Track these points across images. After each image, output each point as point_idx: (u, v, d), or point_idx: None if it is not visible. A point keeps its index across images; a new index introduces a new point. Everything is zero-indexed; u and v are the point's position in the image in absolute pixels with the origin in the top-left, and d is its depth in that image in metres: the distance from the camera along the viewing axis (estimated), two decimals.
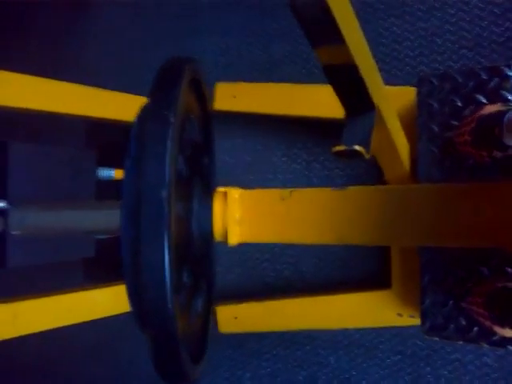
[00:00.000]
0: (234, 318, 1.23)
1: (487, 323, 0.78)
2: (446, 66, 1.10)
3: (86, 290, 1.16)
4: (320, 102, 1.14)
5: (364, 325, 1.12)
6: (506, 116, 0.72)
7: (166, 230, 0.46)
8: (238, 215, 0.66)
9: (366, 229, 0.64)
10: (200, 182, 0.66)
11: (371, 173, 1.17)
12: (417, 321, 1.00)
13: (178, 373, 0.53)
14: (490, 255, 0.85)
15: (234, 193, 0.67)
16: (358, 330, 1.16)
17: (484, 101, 0.87)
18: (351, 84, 0.60)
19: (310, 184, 1.24)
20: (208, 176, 0.73)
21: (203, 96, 0.70)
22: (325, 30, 0.50)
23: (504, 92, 0.85)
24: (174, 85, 0.53)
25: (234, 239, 0.66)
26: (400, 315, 1.02)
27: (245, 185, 0.73)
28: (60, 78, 1.09)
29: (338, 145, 0.60)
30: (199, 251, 0.65)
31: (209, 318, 0.70)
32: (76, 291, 1.14)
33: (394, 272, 1.04)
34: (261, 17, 1.33)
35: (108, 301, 1.22)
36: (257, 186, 0.72)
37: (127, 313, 1.21)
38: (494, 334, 0.81)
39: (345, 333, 1.17)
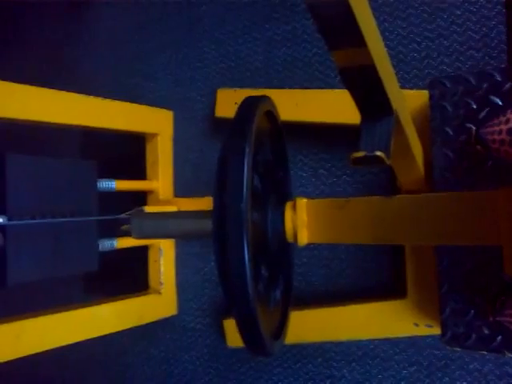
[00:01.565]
0: None
1: None
2: (453, 67, 1.07)
3: (89, 306, 1.13)
4: (324, 107, 1.13)
5: (378, 335, 1.08)
6: None
7: (245, 231, 0.60)
8: (305, 220, 0.77)
9: (409, 231, 0.72)
10: (274, 194, 0.80)
11: (379, 179, 1.15)
12: (434, 330, 0.98)
13: (259, 345, 0.66)
14: None
15: (302, 202, 0.78)
16: (372, 341, 1.12)
17: (500, 103, 0.84)
18: (370, 87, 0.59)
19: (317, 192, 1.21)
20: (282, 187, 0.88)
21: (277, 124, 0.84)
22: (346, 32, 0.47)
23: None
24: (249, 121, 0.66)
25: (302, 240, 0.77)
26: (416, 325, 0.99)
27: None
28: (58, 87, 1.06)
29: (357, 151, 0.58)
30: (275, 250, 0.78)
31: (288, 306, 0.85)
32: (78, 308, 1.11)
33: (409, 281, 1.01)
34: (262, 22, 1.30)
35: (112, 317, 1.19)
36: None
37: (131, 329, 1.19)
38: None
39: (358, 344, 1.13)
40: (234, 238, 0.60)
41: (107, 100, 1.19)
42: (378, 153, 0.57)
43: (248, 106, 0.70)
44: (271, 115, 0.81)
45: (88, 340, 1.08)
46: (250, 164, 0.63)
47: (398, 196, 0.73)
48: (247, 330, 0.65)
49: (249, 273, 0.60)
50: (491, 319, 0.83)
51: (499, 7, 1.04)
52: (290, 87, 1.25)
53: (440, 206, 0.70)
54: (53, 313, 1.04)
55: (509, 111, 0.81)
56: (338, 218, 0.76)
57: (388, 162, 0.58)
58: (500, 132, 0.80)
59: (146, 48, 1.47)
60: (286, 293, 0.86)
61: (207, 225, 0.73)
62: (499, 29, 1.04)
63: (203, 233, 0.81)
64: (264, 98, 0.74)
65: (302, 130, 1.22)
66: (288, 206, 0.78)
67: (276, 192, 0.82)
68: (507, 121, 0.79)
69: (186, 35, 1.40)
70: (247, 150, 0.63)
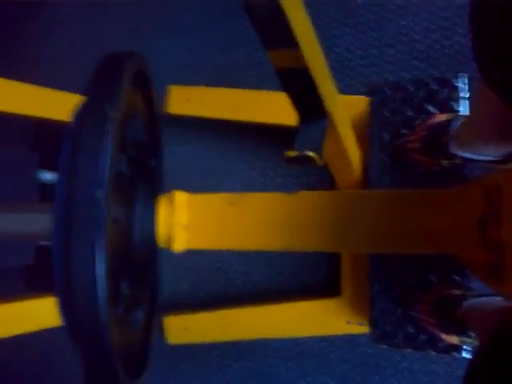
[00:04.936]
0: (184, 328, 1.19)
1: (435, 331, 0.79)
2: (397, 76, 1.11)
3: (29, 299, 1.09)
4: (273, 108, 1.13)
5: (314, 333, 1.10)
6: (452, 125, 0.73)
7: (102, 234, 0.41)
8: (185, 220, 0.62)
9: (316, 235, 0.62)
10: (145, 185, 0.62)
11: (324, 181, 1.17)
12: (366, 328, 1.00)
13: None
14: (438, 264, 0.86)
15: (182, 196, 0.63)
16: (309, 339, 1.14)
17: (433, 111, 0.88)
18: (304, 90, 0.59)
19: (264, 191, 1.22)
20: (154, 179, 0.68)
21: (150, 95, 0.65)
22: (278, 33, 0.49)
23: (452, 102, 0.87)
24: (114, 78, 0.48)
25: (179, 245, 0.62)
26: (349, 323, 1.02)
27: (199, 191, 0.68)
28: (4, 75, 1.02)
29: (290, 150, 0.59)
30: (141, 259, 0.60)
31: (151, 329, 0.65)
32: (18, 300, 1.07)
33: (343, 280, 1.03)
34: (217, 18, 1.30)
35: (52, 311, 1.15)
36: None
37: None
38: (441, 341, 0.82)
39: (296, 342, 1.15)
40: (82, 241, 0.41)
41: (55, 91, 1.16)
42: (310, 153, 0.58)
43: (116, 60, 0.51)
44: (144, 79, 0.61)
45: None
46: (115, 134, 0.44)
47: (301, 192, 0.65)
48: (98, 372, 0.46)
49: (104, 295, 0.41)
50: (403, 312, 0.86)
51: (440, 21, 1.08)
52: (243, 87, 1.25)
53: (344, 206, 0.63)
54: None
55: (427, 121, 0.85)
56: (227, 218, 0.63)
57: (320, 162, 0.60)
58: (414, 141, 0.84)
59: (108, 42, 1.44)
60: (150, 314, 0.66)
61: (45, 222, 0.51)
62: (442, 42, 1.08)
63: (40, 234, 0.59)
64: (134, 53, 0.55)
65: (252, 129, 1.23)
66: (163, 202, 0.62)
67: (148, 183, 0.63)
68: (421, 129, 0.83)
69: (144, 30, 1.38)
70: (111, 114, 0.44)
